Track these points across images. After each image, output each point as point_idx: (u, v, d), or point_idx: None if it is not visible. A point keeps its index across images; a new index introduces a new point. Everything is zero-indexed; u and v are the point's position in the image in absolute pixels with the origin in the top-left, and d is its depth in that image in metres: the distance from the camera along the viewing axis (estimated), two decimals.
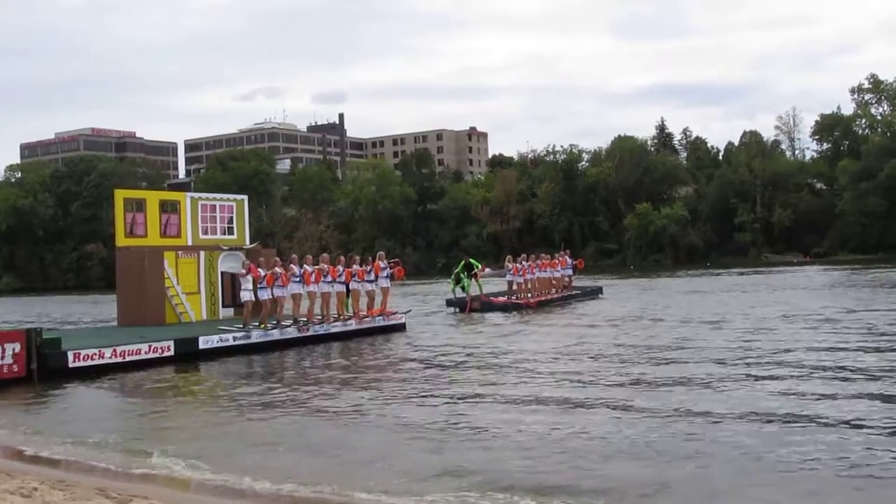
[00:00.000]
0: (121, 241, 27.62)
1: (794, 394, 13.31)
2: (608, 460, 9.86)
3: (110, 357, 20.10)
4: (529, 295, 35.90)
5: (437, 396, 14.67)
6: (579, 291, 41.26)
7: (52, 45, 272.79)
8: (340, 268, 26.29)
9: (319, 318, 25.86)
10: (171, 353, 21.35)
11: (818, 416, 11.63)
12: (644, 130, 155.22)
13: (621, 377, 15.71)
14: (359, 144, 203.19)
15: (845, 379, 14.58)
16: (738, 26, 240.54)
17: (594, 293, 42.24)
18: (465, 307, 34.66)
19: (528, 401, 13.70)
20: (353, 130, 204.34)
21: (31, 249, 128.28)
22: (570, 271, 41.02)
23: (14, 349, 18.48)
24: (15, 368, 18.43)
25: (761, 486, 8.78)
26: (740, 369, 16.00)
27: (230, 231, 30.11)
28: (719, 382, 14.60)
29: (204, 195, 32.09)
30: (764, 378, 14.90)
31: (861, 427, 10.95)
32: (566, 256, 41.20)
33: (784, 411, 12.01)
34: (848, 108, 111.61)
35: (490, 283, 43.63)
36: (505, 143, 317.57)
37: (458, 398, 14.42)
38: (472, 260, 38.33)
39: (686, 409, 12.44)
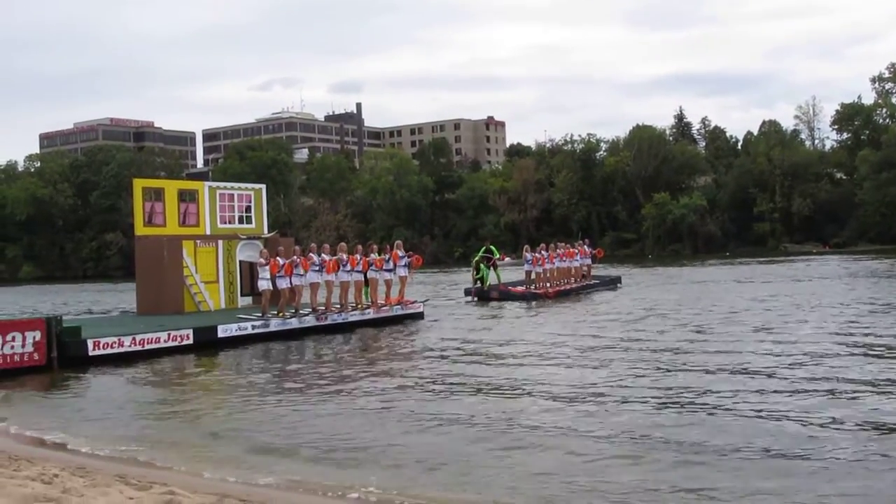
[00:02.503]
0: (140, 230, 27.70)
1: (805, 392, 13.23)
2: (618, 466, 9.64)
3: (130, 345, 20.18)
4: (548, 285, 35.81)
5: (452, 388, 14.54)
6: (598, 281, 41.12)
7: (68, 38, 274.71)
8: (358, 257, 26.27)
9: (338, 306, 25.89)
10: (191, 341, 21.41)
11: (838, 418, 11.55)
12: (661, 120, 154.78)
13: (637, 374, 15.39)
14: (376, 134, 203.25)
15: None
16: (753, 15, 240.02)
17: (613, 283, 42.09)
18: (484, 296, 34.68)
19: (543, 395, 13.51)
20: (371, 120, 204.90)
21: (51, 239, 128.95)
22: (588, 261, 40.84)
23: (34, 337, 18.57)
24: (35, 356, 18.52)
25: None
26: (763, 367, 15.86)
27: (248, 220, 30.12)
28: (739, 380, 14.48)
29: (222, 184, 32.14)
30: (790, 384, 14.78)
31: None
32: (585, 246, 41.07)
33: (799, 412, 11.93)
34: (869, 98, 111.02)
35: (509, 273, 43.57)
36: (522, 133, 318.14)
37: (473, 390, 14.32)
38: (492, 246, 38.40)
39: (710, 409, 12.32)
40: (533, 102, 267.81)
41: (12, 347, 18.23)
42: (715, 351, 17.40)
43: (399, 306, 27.59)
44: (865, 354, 16.18)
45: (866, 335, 18.97)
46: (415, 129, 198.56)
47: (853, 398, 12.14)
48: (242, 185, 32.24)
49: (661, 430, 10.64)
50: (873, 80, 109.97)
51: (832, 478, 8.54)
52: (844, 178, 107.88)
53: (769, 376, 14.00)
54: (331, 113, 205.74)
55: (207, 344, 21.66)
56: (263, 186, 32.46)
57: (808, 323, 21.92)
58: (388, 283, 27.40)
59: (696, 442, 9.99)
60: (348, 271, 25.69)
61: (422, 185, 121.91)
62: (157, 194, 28.30)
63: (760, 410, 11.48)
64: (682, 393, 12.94)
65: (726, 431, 10.46)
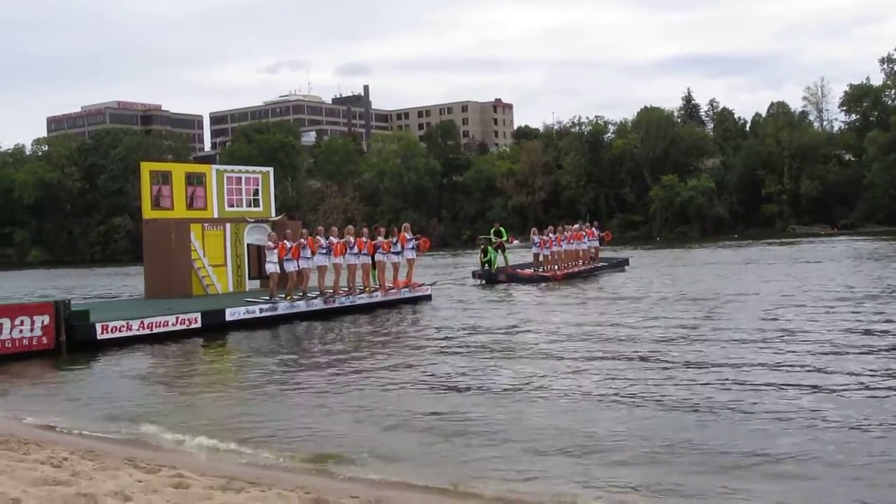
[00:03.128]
0: (147, 213, 27.73)
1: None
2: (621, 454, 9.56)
3: (138, 329, 20.22)
4: (556, 267, 35.78)
5: (453, 382, 14.09)
6: (606, 263, 41.07)
7: (74, 20, 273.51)
8: (365, 239, 26.27)
9: (346, 289, 25.91)
10: (199, 324, 21.46)
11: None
12: (669, 102, 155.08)
13: (647, 359, 15.27)
14: (384, 116, 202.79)
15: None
16: None
17: (620, 265, 42.03)
18: (491, 279, 34.70)
19: (550, 388, 13.17)
20: (378, 103, 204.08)
21: (59, 222, 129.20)
22: (596, 243, 40.81)
23: (43, 321, 18.62)
24: (44, 340, 18.58)
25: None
26: (770, 352, 15.80)
27: (256, 203, 30.14)
28: (748, 366, 14.42)
29: (229, 167, 32.18)
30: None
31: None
32: (593, 228, 41.04)
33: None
34: (877, 79, 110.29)
35: (516, 255, 43.50)
36: (530, 115, 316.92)
37: (480, 376, 14.28)
38: (501, 228, 38.52)
39: (711, 396, 12.23)
40: (540, 85, 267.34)
41: (21, 331, 18.28)
42: (718, 340, 17.07)
43: (407, 289, 27.62)
44: (872, 344, 16.02)
45: (872, 322, 18.82)
46: (422, 112, 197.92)
47: (857, 391, 11.92)
48: (250, 169, 32.31)
49: (658, 429, 10.34)
50: (882, 61, 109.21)
51: (830, 476, 8.35)
52: (853, 159, 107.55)
53: (774, 369, 13.68)
54: (338, 95, 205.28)
55: (215, 327, 21.71)
56: (271, 169, 32.45)
57: (813, 308, 21.78)
58: (395, 266, 27.41)
59: (693, 439, 9.77)
60: (356, 254, 25.71)
61: (429, 168, 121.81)
62: (165, 178, 28.31)
63: (760, 405, 11.32)
64: (682, 387, 12.71)
65: (726, 427, 10.42)
